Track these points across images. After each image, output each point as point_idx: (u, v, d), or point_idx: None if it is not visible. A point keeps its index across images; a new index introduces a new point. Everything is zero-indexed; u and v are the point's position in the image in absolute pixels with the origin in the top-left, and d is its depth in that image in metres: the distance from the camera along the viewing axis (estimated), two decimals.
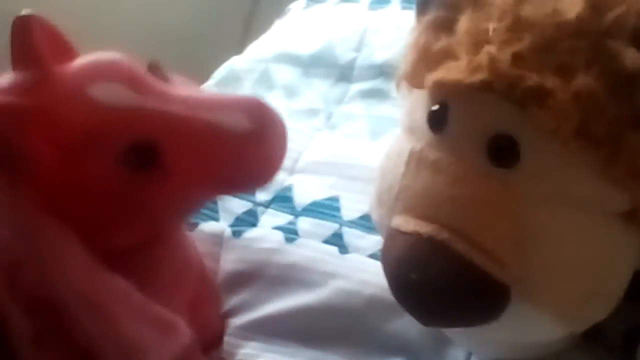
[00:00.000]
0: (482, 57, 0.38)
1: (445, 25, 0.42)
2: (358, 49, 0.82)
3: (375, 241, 0.55)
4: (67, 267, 0.39)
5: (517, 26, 0.37)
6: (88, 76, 0.42)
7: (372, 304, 0.53)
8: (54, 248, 0.39)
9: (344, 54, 0.82)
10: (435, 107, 0.42)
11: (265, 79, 0.80)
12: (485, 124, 0.40)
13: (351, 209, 0.60)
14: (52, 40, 0.43)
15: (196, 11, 1.38)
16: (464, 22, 0.40)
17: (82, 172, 0.40)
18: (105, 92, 0.41)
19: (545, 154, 0.38)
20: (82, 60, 0.44)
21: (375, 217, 0.49)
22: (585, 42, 0.36)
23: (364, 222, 0.58)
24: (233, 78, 0.82)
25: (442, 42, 0.41)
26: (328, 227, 0.59)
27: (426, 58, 0.42)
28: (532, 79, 0.36)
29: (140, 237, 0.44)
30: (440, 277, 0.40)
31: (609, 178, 0.38)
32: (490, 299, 0.40)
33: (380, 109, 0.73)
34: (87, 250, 0.40)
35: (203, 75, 0.71)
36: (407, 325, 0.51)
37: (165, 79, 0.44)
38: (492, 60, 0.37)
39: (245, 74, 0.82)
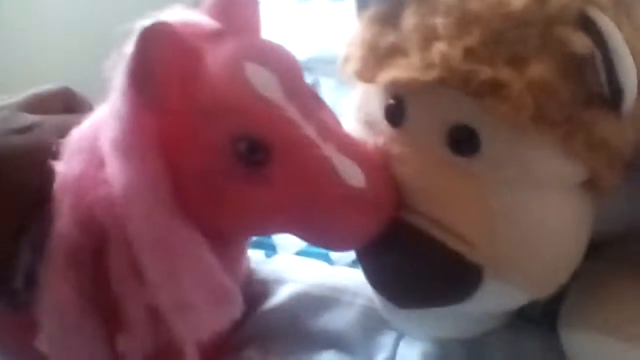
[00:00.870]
0: (434, 54, 0.38)
1: (390, 20, 0.42)
2: None
3: None
4: (151, 207, 0.39)
5: (464, 20, 0.38)
6: (256, 52, 0.41)
7: (299, 301, 0.55)
8: (148, 186, 0.39)
9: None
10: (391, 102, 0.43)
11: None
12: (444, 117, 0.40)
13: None
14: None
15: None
16: (410, 17, 0.40)
17: (193, 138, 0.39)
18: (259, 78, 0.39)
19: (505, 141, 0.39)
20: (262, 36, 0.43)
21: None
22: (533, 30, 0.37)
23: None
24: None
25: (389, 38, 0.41)
26: None
27: (374, 54, 0.42)
28: (486, 72, 0.37)
29: (208, 231, 0.42)
30: (417, 260, 0.41)
31: (567, 154, 0.39)
32: (465, 279, 0.41)
33: None
34: (173, 199, 0.39)
35: None
36: (335, 318, 0.53)
37: (318, 100, 0.43)
38: (444, 57, 0.38)
39: None
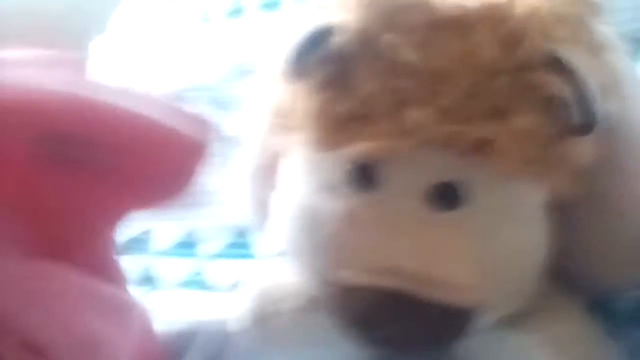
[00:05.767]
0: (407, 122, 0.36)
1: (338, 84, 0.39)
2: None
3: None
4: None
5: (432, 80, 0.36)
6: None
7: None
8: None
9: None
10: (354, 167, 0.40)
11: None
12: (424, 177, 0.39)
13: None
14: None
15: None
16: (367, 80, 0.37)
17: None
18: None
19: (489, 189, 0.39)
20: None
21: (304, 270, 0.46)
22: (505, 79, 0.36)
23: None
24: None
25: (344, 104, 0.38)
26: None
27: (330, 122, 0.39)
28: (469, 133, 0.36)
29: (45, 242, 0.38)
30: (409, 327, 0.40)
31: (543, 183, 0.40)
32: (459, 325, 0.41)
33: None
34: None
35: None
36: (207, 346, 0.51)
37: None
38: (418, 123, 0.36)
39: None
